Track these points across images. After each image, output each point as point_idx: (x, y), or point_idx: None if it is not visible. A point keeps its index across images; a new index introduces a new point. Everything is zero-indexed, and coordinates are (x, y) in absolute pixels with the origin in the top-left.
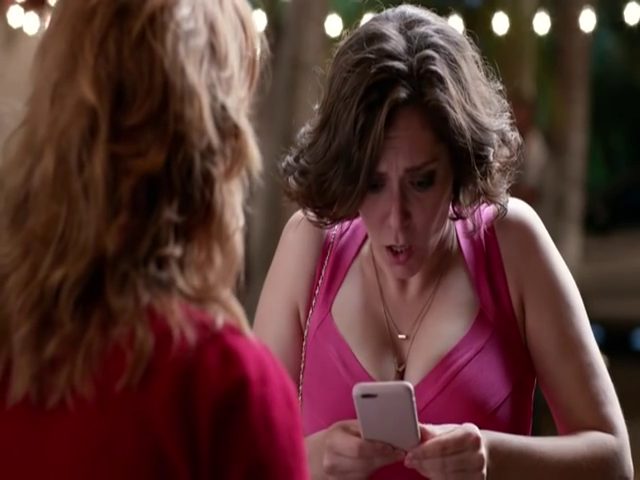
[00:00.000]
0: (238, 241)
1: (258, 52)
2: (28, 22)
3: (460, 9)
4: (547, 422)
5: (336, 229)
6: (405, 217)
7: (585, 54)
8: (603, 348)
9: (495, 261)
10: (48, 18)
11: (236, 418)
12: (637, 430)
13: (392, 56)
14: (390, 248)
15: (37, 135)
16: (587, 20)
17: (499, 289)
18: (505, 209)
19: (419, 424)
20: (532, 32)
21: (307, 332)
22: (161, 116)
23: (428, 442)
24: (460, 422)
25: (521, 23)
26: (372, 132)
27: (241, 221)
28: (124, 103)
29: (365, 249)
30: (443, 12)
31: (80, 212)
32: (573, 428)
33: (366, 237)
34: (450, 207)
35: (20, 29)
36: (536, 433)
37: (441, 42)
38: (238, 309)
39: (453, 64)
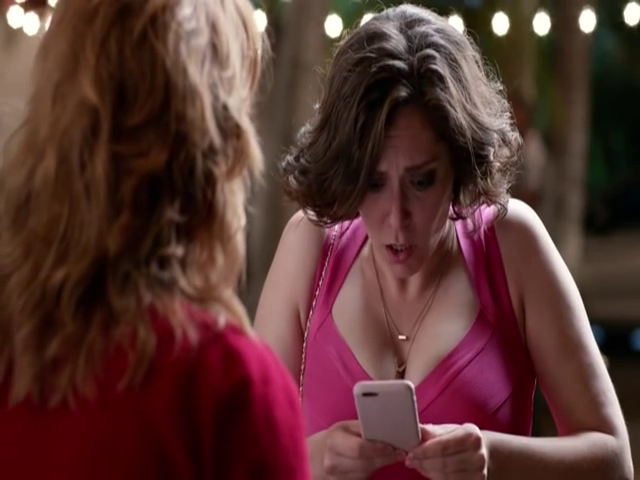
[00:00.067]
0: (240, 241)
1: (259, 52)
2: (28, 22)
3: (460, 9)
4: (547, 423)
5: (336, 230)
6: (405, 216)
7: (585, 54)
8: (603, 348)
9: (495, 262)
10: (48, 18)
11: (238, 418)
12: (637, 431)
13: (393, 55)
14: (390, 247)
15: (39, 135)
16: (587, 20)
17: (499, 290)
18: (505, 209)
19: (420, 424)
20: (532, 32)
21: (307, 333)
22: (163, 116)
23: (429, 442)
24: (460, 423)
25: (521, 23)
26: (372, 131)
27: (243, 221)
28: (126, 103)
29: (365, 250)
30: (443, 12)
31: (82, 212)
32: (573, 429)
33: (366, 238)
34: (450, 207)
35: (20, 29)
36: (536, 434)
37: (442, 41)
38: (240, 309)
39: (453, 63)
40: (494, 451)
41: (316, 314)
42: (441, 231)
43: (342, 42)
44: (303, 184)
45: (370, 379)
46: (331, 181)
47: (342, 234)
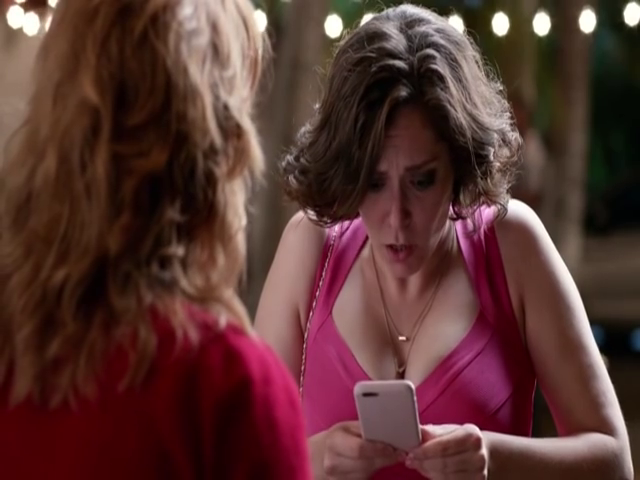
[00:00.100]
0: (240, 241)
1: (260, 52)
2: (28, 22)
3: (460, 9)
4: (547, 423)
5: (336, 230)
6: (405, 216)
7: (585, 55)
8: (603, 349)
9: (495, 262)
10: (48, 19)
11: (239, 418)
12: (637, 431)
13: (393, 55)
14: (390, 246)
15: (39, 135)
16: (587, 21)
17: (499, 290)
18: (505, 209)
19: (420, 425)
20: (532, 33)
21: (307, 334)
22: (164, 116)
23: (429, 442)
24: (461, 423)
25: (521, 24)
26: (372, 131)
27: (243, 221)
28: (126, 103)
29: (365, 251)
30: (443, 12)
31: (82, 212)
32: (573, 429)
33: (366, 239)
34: (450, 207)
35: (20, 29)
36: (536, 434)
37: (442, 41)
38: (241, 309)
39: (454, 63)
40: (494, 451)
41: (316, 315)
42: (441, 231)
43: (342, 42)
44: (303, 184)
45: (370, 380)
46: (331, 181)
47: (342, 234)
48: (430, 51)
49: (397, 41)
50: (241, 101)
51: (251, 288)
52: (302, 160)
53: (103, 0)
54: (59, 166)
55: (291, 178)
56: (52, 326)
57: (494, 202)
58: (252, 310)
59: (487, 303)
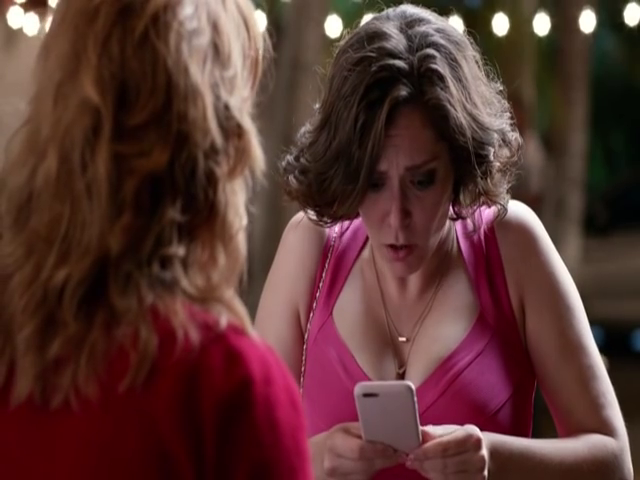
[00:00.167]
0: (241, 241)
1: (261, 51)
2: (28, 23)
3: (460, 9)
4: (547, 424)
5: (336, 231)
6: (405, 216)
7: (585, 55)
8: (603, 349)
9: (495, 263)
10: (48, 19)
11: (240, 418)
12: (637, 431)
13: (393, 54)
14: (390, 245)
15: (40, 135)
16: (587, 21)
17: (499, 291)
18: (505, 209)
19: (420, 426)
20: (532, 33)
21: (308, 335)
22: (164, 116)
23: (429, 443)
24: (461, 424)
25: (521, 24)
26: (372, 130)
27: (244, 220)
28: (127, 103)
29: (366, 252)
30: (443, 12)
31: (83, 212)
32: (573, 430)
33: (366, 240)
34: (450, 207)
35: (20, 30)
36: (536, 435)
37: (442, 41)
38: (242, 309)
39: (454, 63)
40: (494, 452)
41: (317, 316)
42: (441, 231)
43: (342, 42)
44: (303, 184)
45: (370, 381)
46: (331, 181)
47: (342, 234)
48: (430, 51)
49: (397, 41)
50: (242, 101)
51: (251, 288)
52: (302, 160)
53: (104, 0)
54: (60, 166)
55: (291, 178)
56: (53, 326)
57: (494, 202)
58: (252, 310)
59: (487, 304)
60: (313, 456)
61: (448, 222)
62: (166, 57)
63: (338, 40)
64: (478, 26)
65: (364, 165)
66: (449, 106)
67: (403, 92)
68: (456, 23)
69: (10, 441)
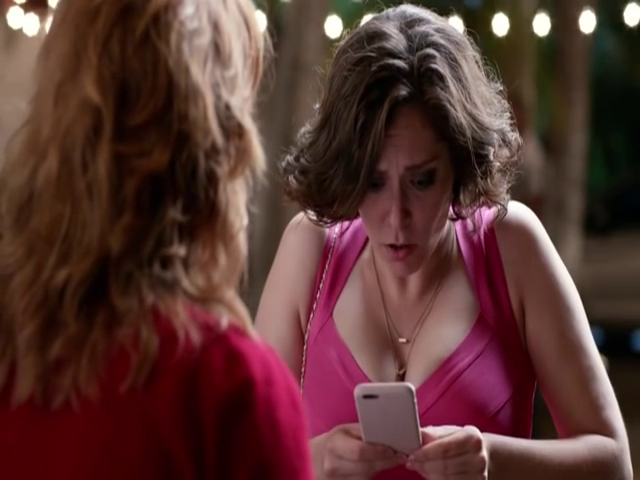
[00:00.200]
0: (242, 241)
1: (261, 51)
2: (28, 23)
3: (460, 9)
4: (546, 425)
5: (336, 232)
6: (405, 216)
7: (585, 55)
8: (603, 349)
9: (495, 264)
10: (48, 19)
11: (241, 419)
12: (637, 432)
13: (393, 54)
14: (390, 245)
15: (41, 135)
16: (587, 21)
17: (499, 292)
18: (505, 209)
19: (420, 427)
20: (532, 33)
21: (308, 336)
22: (165, 115)
23: (430, 444)
24: (461, 425)
25: (521, 24)
26: (372, 130)
27: (245, 220)
28: (128, 103)
29: (366, 254)
30: (443, 12)
31: (84, 212)
32: (573, 431)
33: (366, 241)
34: (450, 208)
35: (20, 30)
36: (535, 436)
37: (442, 41)
38: (243, 310)
39: (454, 63)
40: (494, 453)
41: (317, 317)
42: (441, 231)
43: (342, 42)
44: (303, 184)
45: (370, 382)
46: (331, 181)
47: (342, 238)
48: (430, 51)
49: (397, 41)
50: (242, 101)
51: (251, 289)
52: (302, 160)
53: (105, 0)
54: (61, 166)
55: (291, 178)
56: (54, 327)
57: (494, 202)
58: (252, 311)
59: (487, 305)
60: (313, 457)
61: (448, 223)
62: (167, 57)
63: (338, 40)
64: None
65: (364, 165)
66: (449, 106)
67: (403, 92)
68: (456, 23)
69: (11, 442)
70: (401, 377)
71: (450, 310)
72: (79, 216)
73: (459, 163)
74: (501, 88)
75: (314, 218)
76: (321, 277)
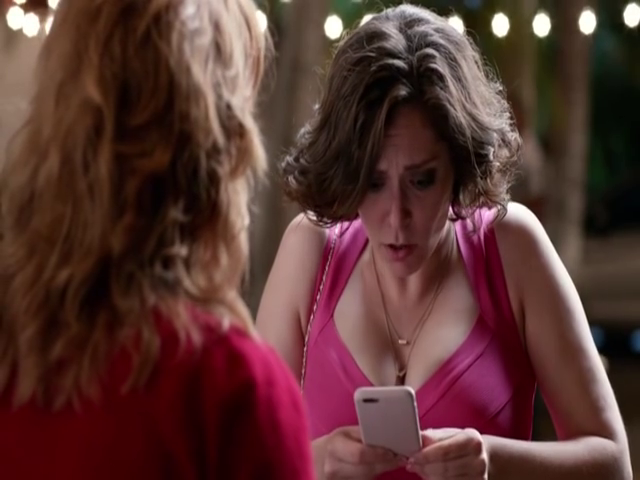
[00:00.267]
0: (243, 240)
1: (262, 51)
2: (28, 24)
3: (460, 10)
4: (546, 426)
5: (336, 233)
6: (405, 215)
7: (585, 56)
8: (602, 350)
9: (495, 265)
10: (48, 20)
11: (243, 420)
12: (637, 432)
13: (392, 54)
14: (390, 245)
15: (42, 135)
16: (587, 22)
17: (499, 294)
18: (505, 209)
19: (420, 430)
20: (532, 34)
21: (308, 337)
22: (166, 115)
23: (430, 447)
24: (461, 427)
25: (521, 25)
26: (372, 130)
27: (246, 220)
28: (129, 103)
29: (366, 255)
30: (443, 12)
31: (85, 212)
32: (573, 433)
33: (367, 243)
34: (450, 208)
35: (20, 31)
36: (535, 437)
37: (441, 41)
38: (244, 311)
39: (453, 63)
40: (494, 455)
41: (317, 318)
42: (441, 231)
43: (341, 42)
44: (303, 184)
45: (371, 384)
46: (331, 181)
47: (342, 239)
48: (429, 50)
49: (396, 40)
50: (244, 100)
51: (252, 290)
52: (302, 160)
53: (106, 0)
54: (62, 166)
55: (291, 179)
56: (55, 327)
57: (494, 202)
58: (253, 311)
59: (487, 307)
60: (314, 459)
61: (448, 224)
62: (168, 57)
63: (338, 41)
64: (478, 26)
65: (364, 165)
66: (449, 106)
67: (402, 92)
68: (456, 23)
69: (12, 442)
70: (401, 379)
71: (450, 312)
72: (80, 216)
73: (459, 163)
74: (500, 88)
75: (314, 218)
76: (321, 278)
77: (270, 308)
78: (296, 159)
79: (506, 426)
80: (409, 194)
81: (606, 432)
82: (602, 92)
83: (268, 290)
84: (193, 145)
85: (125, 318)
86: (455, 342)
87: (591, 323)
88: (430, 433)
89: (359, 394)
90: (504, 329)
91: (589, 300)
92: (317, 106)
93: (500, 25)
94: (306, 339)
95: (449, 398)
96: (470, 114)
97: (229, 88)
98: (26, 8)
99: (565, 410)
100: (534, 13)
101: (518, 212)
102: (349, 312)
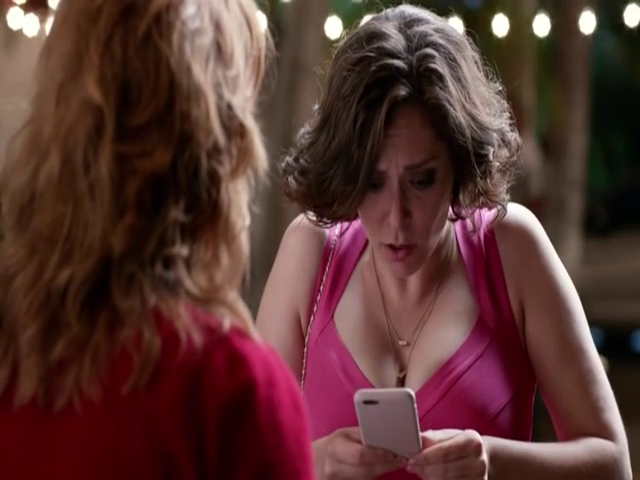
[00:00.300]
0: (244, 240)
1: (263, 51)
2: (28, 24)
3: (460, 10)
4: (546, 427)
5: (336, 233)
6: (405, 215)
7: (585, 56)
8: (602, 350)
9: (495, 266)
10: (48, 20)
11: (243, 420)
12: (636, 433)
13: (392, 54)
14: (390, 245)
15: (42, 135)
16: (587, 22)
17: (499, 295)
18: (505, 209)
19: (420, 431)
20: (532, 34)
21: (308, 338)
22: (167, 115)
23: (430, 448)
24: (461, 428)
25: (521, 25)
26: (372, 130)
27: (247, 220)
28: (130, 103)
29: (366, 256)
30: (443, 13)
31: (86, 212)
32: (573, 434)
33: (367, 244)
34: (450, 208)
35: (20, 31)
36: (535, 438)
37: (441, 41)
38: (245, 311)
39: (453, 63)
40: (494, 456)
41: (317, 319)
42: (441, 231)
43: (341, 42)
44: (303, 184)
45: (371, 385)
46: (331, 181)
47: (342, 240)
48: (429, 50)
49: (396, 41)
50: (244, 100)
51: (252, 290)
52: (301, 161)
53: (106, 0)
54: (62, 166)
55: (291, 179)
56: (56, 327)
57: (493, 202)
58: (253, 311)
59: (486, 307)
60: (314, 460)
61: (448, 224)
62: (169, 57)
63: (338, 41)
64: (478, 27)
65: (363, 165)
66: (448, 105)
67: (402, 92)
68: (456, 24)
69: (13, 443)
70: (401, 380)
71: (450, 312)
72: (81, 216)
73: (459, 163)
74: (500, 88)
75: (314, 219)
76: (321, 279)
77: (270, 309)
78: (296, 159)
79: (506, 427)
80: (409, 194)
81: (606, 433)
82: (602, 92)
83: (268, 291)
84: (194, 145)
85: (126, 318)
86: (455, 343)
87: (591, 324)
88: (430, 434)
89: (359, 396)
90: (504, 330)
91: (589, 300)
92: (317, 106)
93: (500, 25)
94: (306, 340)
95: (449, 399)
96: (470, 114)
97: (230, 88)
98: (26, 8)
99: (565, 411)
100: (534, 13)
101: (518, 212)
102: (349, 313)
